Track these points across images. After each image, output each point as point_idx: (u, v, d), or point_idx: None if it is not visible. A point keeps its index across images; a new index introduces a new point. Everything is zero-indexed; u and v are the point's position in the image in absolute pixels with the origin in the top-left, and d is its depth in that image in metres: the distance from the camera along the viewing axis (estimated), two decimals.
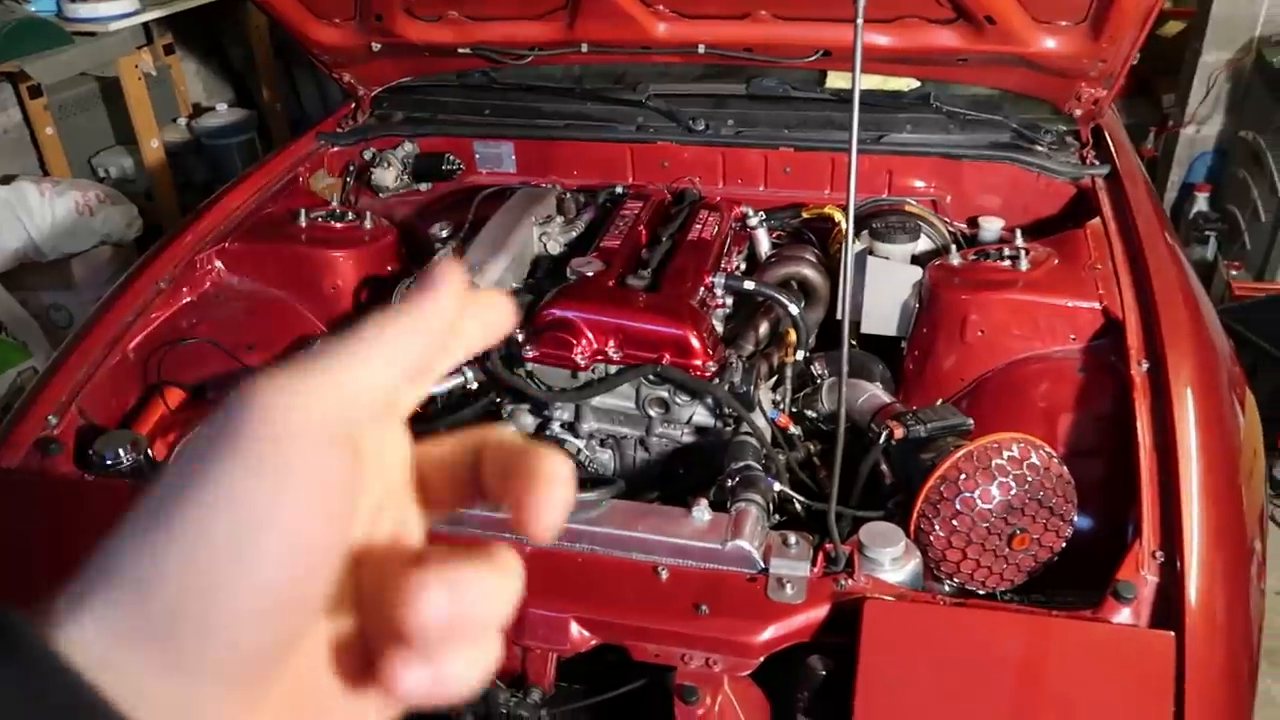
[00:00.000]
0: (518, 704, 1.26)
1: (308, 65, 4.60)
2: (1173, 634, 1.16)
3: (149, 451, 1.65)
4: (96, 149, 4.02)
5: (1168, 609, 1.20)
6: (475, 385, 1.74)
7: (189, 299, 1.99)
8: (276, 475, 0.28)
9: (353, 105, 2.54)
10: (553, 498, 0.33)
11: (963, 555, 1.37)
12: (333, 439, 0.29)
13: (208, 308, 2.01)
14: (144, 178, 3.96)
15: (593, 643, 1.28)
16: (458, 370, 1.73)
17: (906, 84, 2.22)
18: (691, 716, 1.18)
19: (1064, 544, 1.39)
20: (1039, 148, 2.15)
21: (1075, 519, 1.40)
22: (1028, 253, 1.82)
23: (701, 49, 2.09)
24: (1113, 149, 2.14)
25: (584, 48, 2.14)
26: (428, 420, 1.75)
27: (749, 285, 1.81)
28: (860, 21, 1.21)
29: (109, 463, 1.57)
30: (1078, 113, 2.11)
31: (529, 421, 1.75)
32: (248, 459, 0.28)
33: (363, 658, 0.32)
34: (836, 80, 2.26)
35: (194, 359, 1.89)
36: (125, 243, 3.57)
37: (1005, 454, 1.36)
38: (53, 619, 0.27)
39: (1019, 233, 1.92)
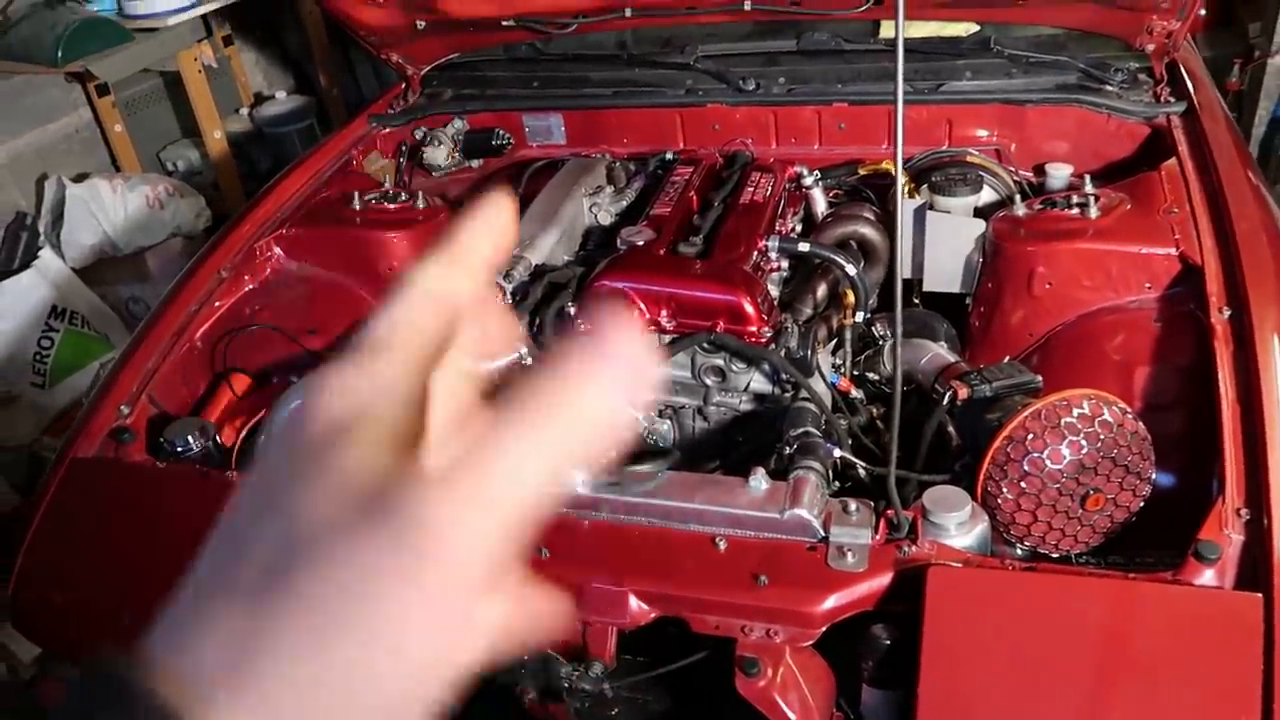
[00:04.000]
0: (579, 677, 1.26)
1: (364, 49, 4.64)
2: (1260, 595, 1.10)
3: (217, 437, 1.69)
4: (164, 143, 4.12)
5: (1254, 569, 1.14)
6: (530, 361, 1.73)
7: (251, 286, 2.03)
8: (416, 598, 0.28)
9: (403, 86, 2.54)
10: None
11: (1033, 518, 1.31)
12: (488, 583, 0.30)
13: (269, 294, 2.04)
14: (210, 169, 4.05)
15: (652, 616, 1.27)
16: (513, 347, 1.72)
17: (965, 29, 2.13)
18: (753, 688, 1.17)
19: (1141, 503, 1.33)
20: (1109, 87, 2.04)
21: (1154, 477, 1.33)
22: (1097, 199, 1.73)
23: (748, 4, 2.03)
24: (1190, 85, 2.02)
25: (628, 12, 2.10)
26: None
27: (804, 247, 1.76)
28: None
29: (179, 450, 1.62)
30: (1150, 48, 1.99)
31: None
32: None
33: None
34: (890, 30, 2.17)
35: (258, 345, 1.92)
36: (195, 234, 3.65)
37: (1075, 411, 1.30)
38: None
39: (1088, 179, 1.82)
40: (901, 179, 1.32)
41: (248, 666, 0.27)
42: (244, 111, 4.40)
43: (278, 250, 2.09)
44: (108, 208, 3.41)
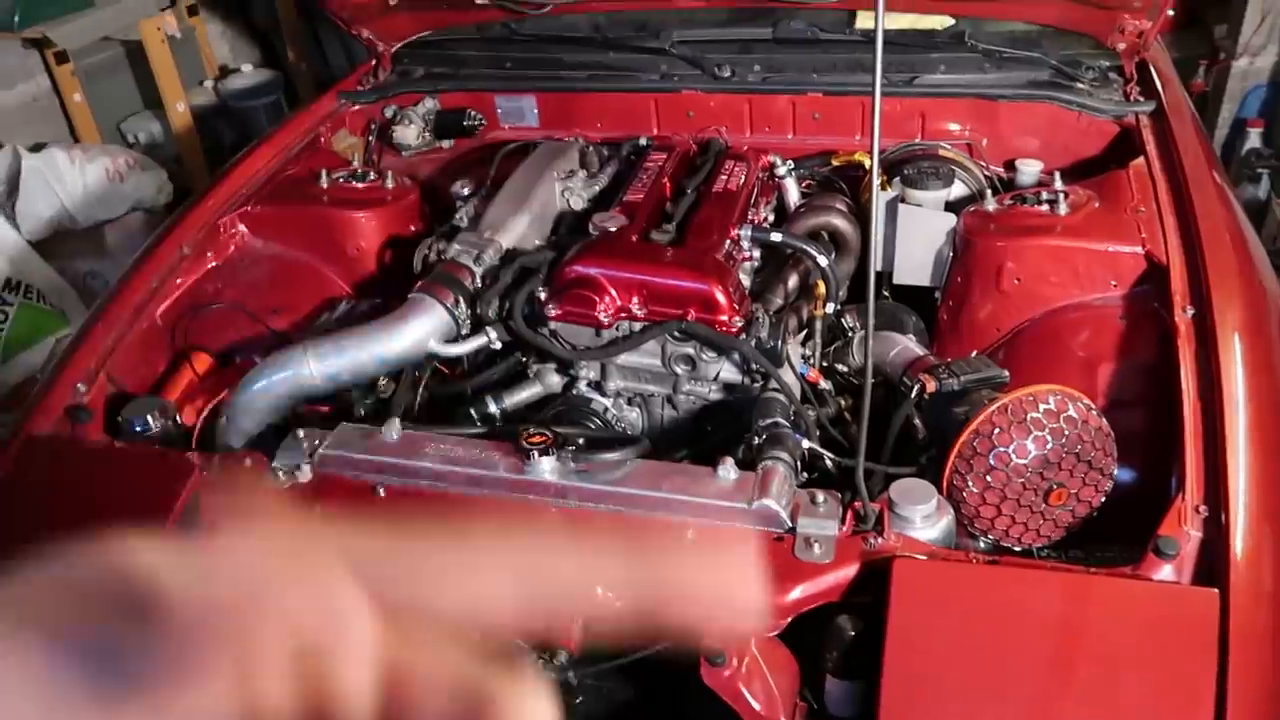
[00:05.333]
0: (545, 666, 1.25)
1: (333, 24, 4.56)
2: (1217, 591, 1.12)
3: (177, 417, 1.66)
4: (125, 114, 4.03)
5: (1211, 566, 1.16)
6: (499, 345, 1.72)
7: (214, 263, 1.99)
8: None
9: (374, 62, 2.50)
10: None
11: (997, 511, 1.33)
12: None
13: (233, 272, 2.00)
14: (172, 142, 3.97)
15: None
16: (482, 331, 1.71)
17: (940, 22, 2.13)
18: (718, 678, 1.17)
19: (1103, 499, 1.35)
20: (1080, 85, 2.05)
21: (1116, 473, 1.35)
22: (1067, 196, 1.75)
23: None
24: (1159, 84, 2.05)
25: None
26: (455, 382, 1.74)
27: (776, 237, 1.76)
28: None
29: (138, 429, 1.58)
30: (1121, 46, 2.01)
31: (555, 381, 1.72)
32: None
33: None
34: (866, 21, 2.17)
35: (221, 324, 1.89)
36: (156, 208, 3.58)
37: (1041, 407, 1.31)
38: None
39: (1058, 175, 1.84)
40: (878, 171, 1.32)
41: None
42: (208, 84, 4.31)
43: (242, 227, 2.06)
44: (65, 179, 3.32)
